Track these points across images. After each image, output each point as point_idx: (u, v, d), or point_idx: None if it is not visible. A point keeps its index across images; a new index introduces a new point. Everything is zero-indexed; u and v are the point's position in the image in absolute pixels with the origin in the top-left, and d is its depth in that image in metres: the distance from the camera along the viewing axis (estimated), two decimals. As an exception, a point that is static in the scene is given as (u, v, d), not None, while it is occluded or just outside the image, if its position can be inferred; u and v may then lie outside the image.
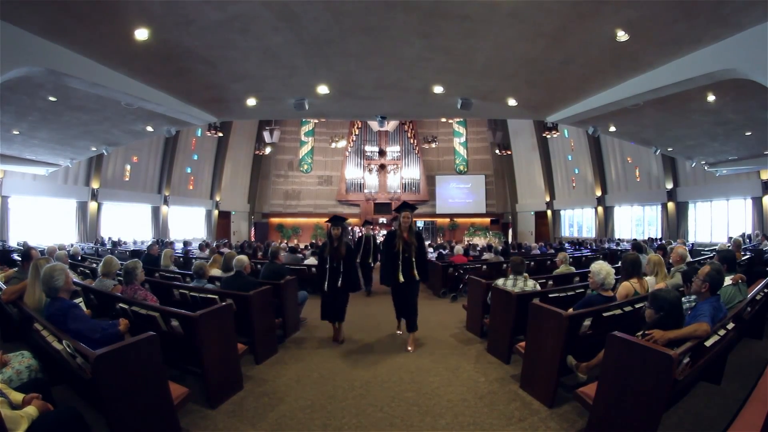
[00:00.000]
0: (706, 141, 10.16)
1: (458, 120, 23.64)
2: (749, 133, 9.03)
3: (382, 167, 23.77)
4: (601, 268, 3.46)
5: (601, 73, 6.63)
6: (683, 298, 2.99)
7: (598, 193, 18.06)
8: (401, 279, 4.55)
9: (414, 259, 4.57)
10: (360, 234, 8.80)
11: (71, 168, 13.66)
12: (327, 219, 5.13)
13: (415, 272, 4.58)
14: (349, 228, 18.49)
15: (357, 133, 23.80)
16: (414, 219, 5.29)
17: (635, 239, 14.06)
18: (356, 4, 4.73)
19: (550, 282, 5.57)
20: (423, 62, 6.43)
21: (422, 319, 4.90)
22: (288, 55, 6.13)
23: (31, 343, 2.86)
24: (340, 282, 4.69)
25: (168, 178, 17.88)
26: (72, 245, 10.17)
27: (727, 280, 3.52)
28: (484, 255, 9.38)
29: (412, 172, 23.72)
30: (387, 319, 5.67)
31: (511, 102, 8.32)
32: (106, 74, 6.19)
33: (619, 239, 16.16)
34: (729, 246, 6.85)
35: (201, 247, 11.82)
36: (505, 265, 7.42)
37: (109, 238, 14.55)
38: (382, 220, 21.97)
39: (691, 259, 5.58)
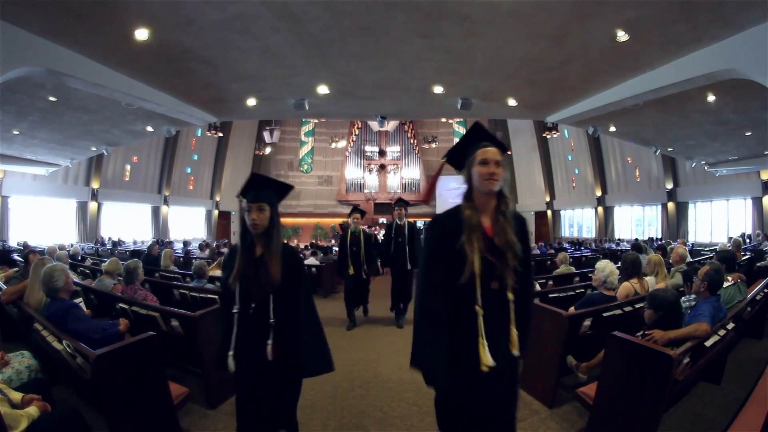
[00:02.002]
0: (706, 141, 10.16)
1: (458, 120, 23.62)
2: (749, 133, 9.04)
3: (382, 167, 23.77)
4: (605, 266, 3.50)
5: (601, 73, 6.63)
6: (683, 298, 3.00)
7: (598, 193, 18.05)
8: (488, 361, 1.53)
9: (513, 298, 1.63)
10: (347, 227, 5.67)
11: (71, 168, 13.67)
12: (240, 190, 2.06)
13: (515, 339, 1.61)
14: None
15: (357, 133, 23.80)
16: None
17: (636, 239, 14.06)
18: (356, 4, 4.73)
19: (550, 282, 5.57)
20: (423, 62, 6.44)
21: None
22: (288, 55, 6.13)
23: (31, 343, 2.86)
24: (269, 350, 1.87)
25: (168, 178, 17.88)
26: (72, 245, 10.18)
27: (727, 280, 3.53)
28: (484, 255, 9.36)
29: (412, 172, 23.71)
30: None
31: (511, 102, 8.33)
32: (106, 74, 6.19)
33: (619, 239, 16.16)
34: (729, 246, 6.85)
35: (201, 247, 11.83)
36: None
37: (109, 238, 14.55)
38: (383, 220, 21.96)
39: (691, 259, 5.58)
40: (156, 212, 17.84)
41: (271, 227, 1.96)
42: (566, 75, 6.79)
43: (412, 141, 23.80)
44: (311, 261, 8.32)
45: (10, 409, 1.87)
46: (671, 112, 8.04)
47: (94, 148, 11.20)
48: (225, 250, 9.74)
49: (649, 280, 3.90)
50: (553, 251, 11.88)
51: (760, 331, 4.22)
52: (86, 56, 5.76)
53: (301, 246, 14.22)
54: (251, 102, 8.32)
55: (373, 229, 10.47)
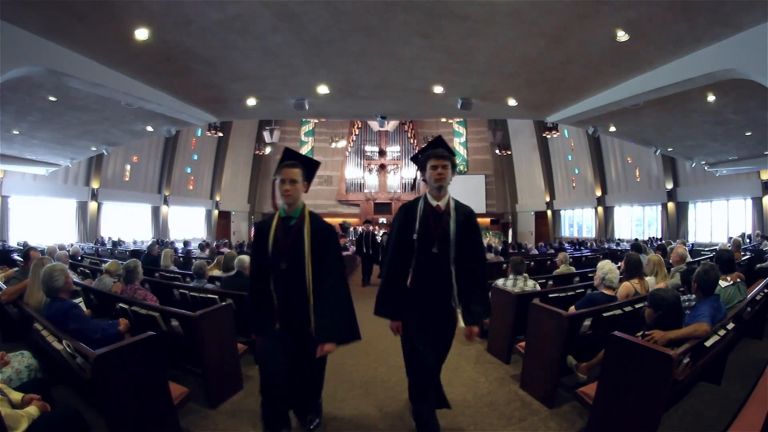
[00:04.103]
0: (706, 141, 10.16)
1: (458, 120, 23.63)
2: (749, 133, 9.03)
3: (382, 167, 23.78)
4: (604, 265, 3.54)
5: (601, 73, 6.63)
6: (683, 297, 3.00)
7: (598, 193, 18.05)
8: None
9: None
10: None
11: (71, 168, 13.67)
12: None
13: None
14: (351, 229, 18.43)
15: (357, 133, 23.81)
16: None
17: (636, 239, 14.06)
18: (356, 4, 4.73)
19: (550, 282, 5.57)
20: (423, 62, 6.43)
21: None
22: (288, 55, 6.13)
23: (31, 343, 2.86)
24: None
25: (168, 178, 17.88)
26: (72, 245, 10.17)
27: (726, 280, 3.53)
28: (484, 255, 9.36)
29: (413, 172, 23.69)
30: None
31: (511, 102, 8.32)
32: (106, 74, 6.19)
33: (619, 239, 16.16)
34: (729, 246, 6.86)
35: (201, 247, 11.82)
36: (505, 265, 7.42)
37: (109, 238, 14.55)
38: (383, 220, 21.95)
39: (691, 260, 5.58)
40: (156, 212, 17.84)
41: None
42: (566, 75, 6.79)
43: (412, 141, 23.81)
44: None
45: (11, 410, 1.87)
46: (671, 112, 8.04)
47: (94, 148, 11.20)
48: (225, 250, 9.75)
49: (649, 280, 3.91)
50: (553, 251, 11.88)
51: (760, 331, 4.21)
52: (86, 56, 5.76)
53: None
54: (251, 102, 8.32)
55: (372, 227, 10.07)
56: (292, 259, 2.25)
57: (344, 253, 10.87)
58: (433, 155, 2.37)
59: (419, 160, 2.52)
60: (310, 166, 2.42)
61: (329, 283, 2.26)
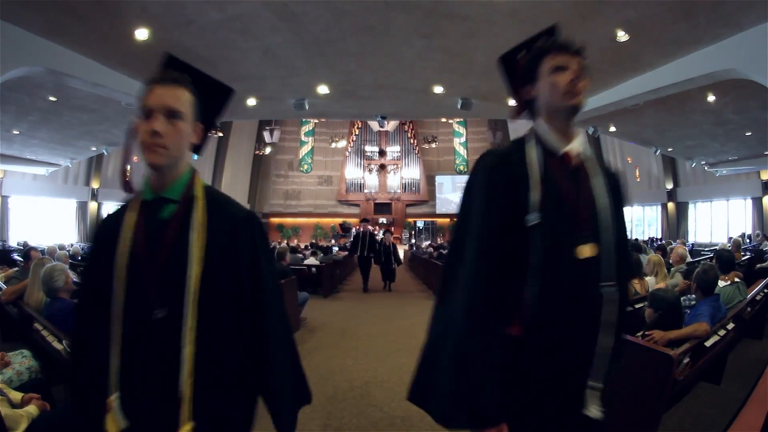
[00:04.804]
0: (706, 141, 10.17)
1: (458, 120, 23.65)
2: (749, 134, 9.04)
3: (382, 167, 23.79)
4: None
5: (601, 73, 6.63)
6: (683, 297, 3.00)
7: (598, 193, 18.04)
8: None
9: None
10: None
11: (71, 168, 13.66)
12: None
13: None
14: (352, 229, 18.42)
15: (357, 133, 23.83)
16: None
17: (636, 239, 14.07)
18: (356, 4, 4.73)
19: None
20: (423, 62, 6.44)
21: (423, 319, 4.86)
22: (288, 55, 6.14)
23: (30, 343, 2.86)
24: None
25: (168, 178, 17.91)
26: (72, 245, 10.18)
27: (724, 280, 3.53)
28: (484, 255, 9.34)
29: (412, 172, 23.73)
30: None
31: (512, 102, 8.27)
32: (106, 74, 6.20)
33: (619, 239, 16.15)
34: (729, 246, 6.86)
35: (201, 247, 11.83)
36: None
37: (109, 238, 14.56)
38: (383, 220, 21.96)
39: (691, 259, 5.58)
40: (156, 212, 17.85)
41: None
42: (566, 75, 6.78)
43: (412, 141, 23.83)
44: (311, 261, 8.33)
45: (11, 410, 1.87)
46: (671, 112, 8.04)
47: (94, 148, 11.21)
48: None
49: (649, 280, 3.91)
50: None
51: (760, 331, 4.21)
52: (86, 56, 5.77)
53: (301, 246, 14.21)
54: (251, 102, 8.32)
55: (372, 227, 9.81)
56: (161, 297, 0.92)
57: (343, 254, 10.83)
58: (557, 47, 1.04)
59: (520, 61, 1.21)
60: (210, 91, 1.14)
61: (272, 349, 1.01)
